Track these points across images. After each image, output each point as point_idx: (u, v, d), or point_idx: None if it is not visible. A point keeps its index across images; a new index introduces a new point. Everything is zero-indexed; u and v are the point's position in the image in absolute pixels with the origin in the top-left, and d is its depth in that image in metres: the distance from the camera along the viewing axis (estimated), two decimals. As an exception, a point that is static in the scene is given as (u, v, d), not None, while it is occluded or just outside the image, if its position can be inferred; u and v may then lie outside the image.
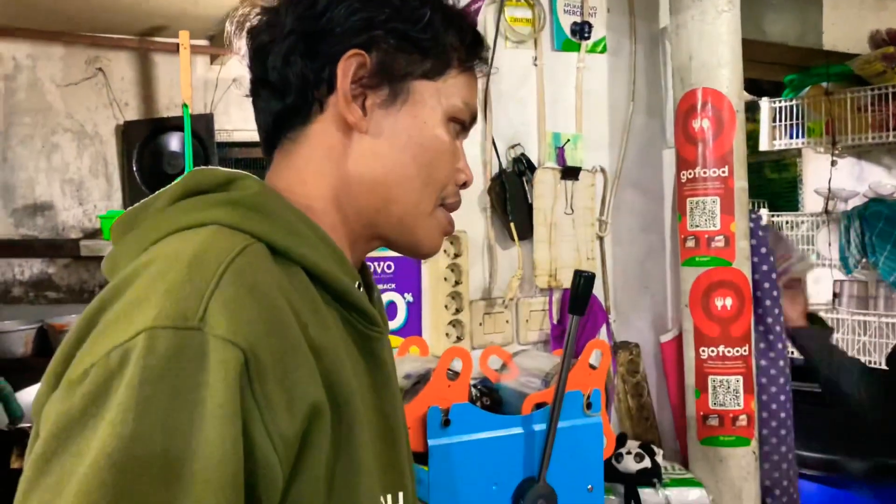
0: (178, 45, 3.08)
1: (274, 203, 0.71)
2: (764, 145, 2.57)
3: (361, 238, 0.80)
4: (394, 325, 1.65)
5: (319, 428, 0.62)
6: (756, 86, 2.75)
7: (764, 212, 2.70)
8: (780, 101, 2.63)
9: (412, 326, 1.67)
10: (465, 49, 0.81)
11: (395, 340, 1.66)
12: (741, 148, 1.76)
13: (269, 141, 0.80)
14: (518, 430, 1.43)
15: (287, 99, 0.77)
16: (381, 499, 0.74)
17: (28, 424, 2.51)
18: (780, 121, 2.61)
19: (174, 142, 3.39)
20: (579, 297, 1.38)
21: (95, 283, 3.31)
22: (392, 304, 1.65)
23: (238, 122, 3.52)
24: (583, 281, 1.37)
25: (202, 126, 3.30)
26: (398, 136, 0.77)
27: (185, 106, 3.10)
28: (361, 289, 0.78)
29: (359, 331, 0.75)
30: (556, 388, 1.41)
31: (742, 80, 1.78)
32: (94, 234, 3.30)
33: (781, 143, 2.61)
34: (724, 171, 1.74)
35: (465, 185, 0.85)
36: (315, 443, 0.62)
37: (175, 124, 3.34)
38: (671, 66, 1.83)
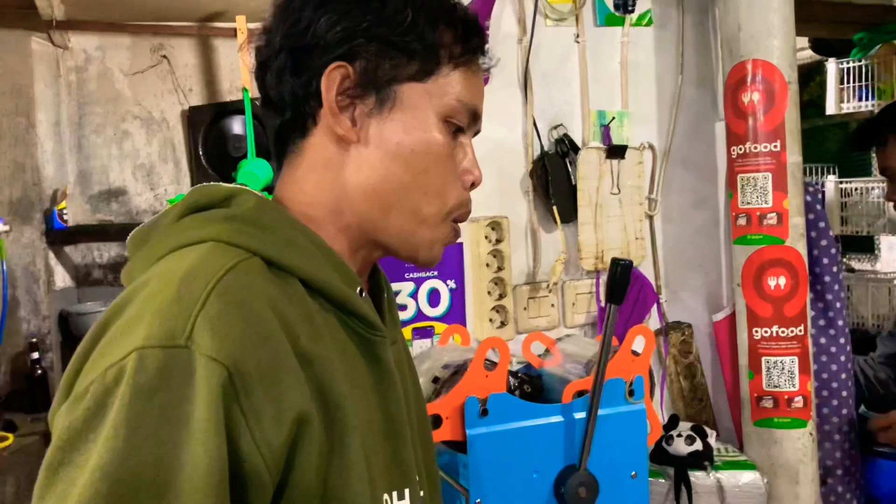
0: (235, 29, 3.13)
1: (270, 216, 0.74)
2: (831, 109, 2.45)
3: (365, 245, 0.81)
4: (437, 311, 1.67)
5: (307, 435, 0.65)
6: (824, 45, 2.60)
7: (831, 178, 2.58)
8: (848, 62, 2.49)
9: (455, 313, 1.68)
10: (458, 44, 0.79)
11: (440, 327, 1.67)
12: (794, 121, 1.68)
13: (278, 154, 0.82)
14: (558, 419, 1.43)
15: (284, 115, 0.79)
16: (385, 497, 0.76)
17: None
18: (849, 82, 2.47)
19: (237, 125, 3.46)
20: (617, 286, 1.35)
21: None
22: (435, 292, 1.67)
23: (298, 102, 3.56)
24: (620, 269, 1.34)
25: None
26: (388, 143, 0.77)
27: (245, 90, 3.16)
28: (364, 294, 0.79)
29: (360, 335, 0.77)
30: (594, 377, 1.40)
31: (794, 50, 1.70)
32: (165, 217, 3.42)
33: (850, 107, 2.47)
34: (775, 146, 1.67)
35: (473, 185, 0.84)
36: (304, 448, 0.65)
37: (237, 108, 3.41)
38: (720, 37, 1.76)
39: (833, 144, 2.92)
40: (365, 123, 0.77)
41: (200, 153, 3.50)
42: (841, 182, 2.54)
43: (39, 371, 3.07)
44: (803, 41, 2.70)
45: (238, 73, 3.51)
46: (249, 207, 0.73)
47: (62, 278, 3.37)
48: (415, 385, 0.95)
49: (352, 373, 0.74)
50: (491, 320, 1.69)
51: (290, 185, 0.80)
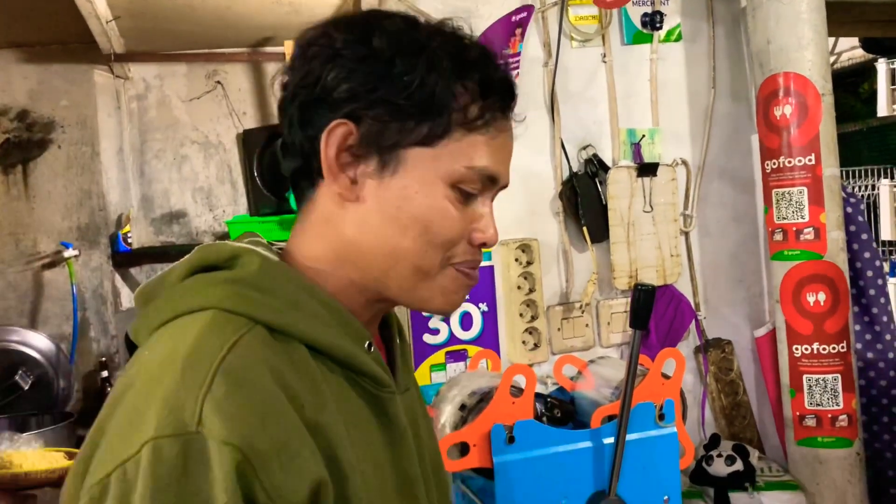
0: (284, 53, 3.22)
1: (273, 278, 0.73)
2: (882, 110, 2.36)
3: (374, 297, 0.79)
4: (470, 334, 1.69)
5: (325, 501, 0.66)
6: (876, 43, 2.51)
7: (885, 182, 2.49)
8: (899, 62, 2.40)
9: (488, 335, 1.70)
10: (475, 106, 0.75)
11: (472, 350, 1.70)
12: (829, 133, 1.65)
13: (296, 197, 0.82)
14: (587, 444, 1.43)
15: (295, 161, 0.78)
16: None
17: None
18: (902, 82, 2.39)
19: (289, 145, 3.55)
20: (640, 311, 1.35)
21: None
22: (467, 315, 1.69)
23: (347, 121, 3.63)
24: (642, 295, 1.34)
25: (313, 129, 3.44)
26: (388, 206, 0.75)
27: (294, 112, 3.25)
28: (373, 348, 0.78)
29: (369, 392, 0.76)
30: (621, 402, 1.40)
31: (828, 60, 1.66)
32: (223, 237, 3.53)
33: (903, 107, 2.39)
34: (810, 160, 1.64)
35: (484, 245, 0.79)
36: None
37: (289, 129, 3.50)
38: (750, 50, 1.73)
39: (890, 144, 2.81)
40: (366, 184, 0.75)
41: (255, 174, 3.60)
42: (895, 186, 2.45)
43: (109, 389, 3.22)
44: (854, 40, 2.62)
45: (289, 94, 3.60)
46: (253, 270, 0.72)
47: (128, 299, 3.52)
48: (428, 430, 0.94)
49: (361, 436, 0.74)
50: (524, 342, 1.71)
51: (299, 236, 0.80)
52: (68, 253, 3.29)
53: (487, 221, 0.79)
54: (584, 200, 1.71)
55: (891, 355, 1.79)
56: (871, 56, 2.58)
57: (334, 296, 0.77)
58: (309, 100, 0.75)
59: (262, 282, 0.72)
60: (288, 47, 3.18)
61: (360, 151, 0.74)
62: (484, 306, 1.70)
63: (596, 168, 1.74)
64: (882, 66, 2.34)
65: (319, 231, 0.78)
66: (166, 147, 3.61)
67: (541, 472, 1.41)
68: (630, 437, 1.41)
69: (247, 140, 3.70)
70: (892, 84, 2.36)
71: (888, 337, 1.79)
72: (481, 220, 0.78)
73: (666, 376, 1.49)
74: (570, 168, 1.73)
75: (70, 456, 2.73)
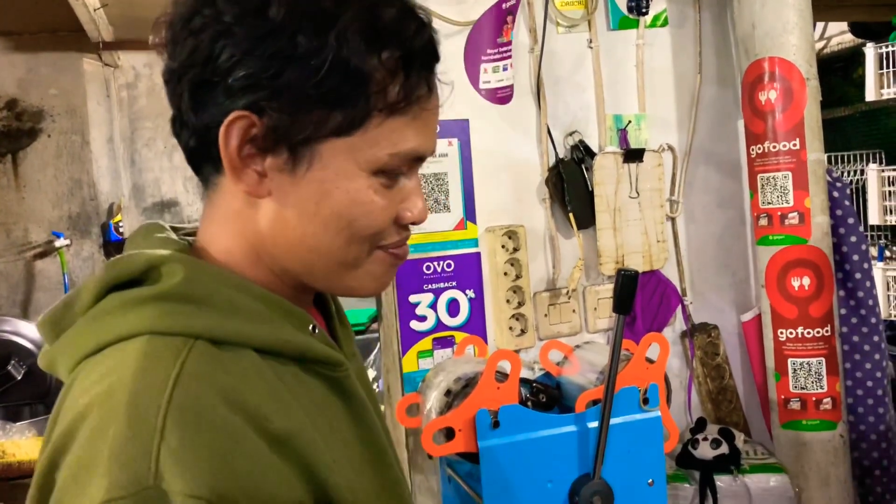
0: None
1: (204, 285, 0.67)
2: (871, 95, 2.37)
3: (299, 286, 0.74)
4: (457, 321, 1.70)
5: None
6: (864, 28, 2.51)
7: (873, 166, 2.50)
8: (888, 46, 2.40)
9: (475, 322, 1.71)
10: (398, 87, 0.67)
11: (459, 337, 1.70)
12: (814, 118, 1.65)
13: (193, 169, 0.75)
14: (571, 429, 1.44)
15: (191, 140, 0.69)
16: None
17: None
18: (890, 67, 2.39)
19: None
20: (623, 297, 1.36)
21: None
22: (454, 301, 1.70)
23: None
24: (625, 280, 1.35)
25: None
26: (304, 203, 0.68)
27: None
28: (317, 330, 0.74)
29: (324, 375, 0.72)
30: (605, 387, 1.40)
31: (812, 45, 1.66)
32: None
33: (890, 92, 2.39)
34: (795, 144, 1.64)
35: (413, 223, 0.74)
36: None
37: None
38: (735, 36, 1.74)
39: (880, 128, 2.81)
40: (276, 178, 0.67)
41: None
42: (884, 170, 2.46)
43: (102, 377, 3.23)
44: (843, 25, 2.62)
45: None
46: (178, 281, 0.65)
47: (121, 288, 3.53)
48: (372, 393, 0.87)
49: (326, 422, 0.71)
50: (511, 328, 1.71)
51: (210, 227, 0.73)
52: (59, 242, 3.30)
53: (415, 198, 0.72)
54: (570, 187, 1.71)
55: (875, 338, 1.80)
56: (860, 41, 2.58)
57: (265, 287, 0.71)
58: (199, 80, 0.65)
59: (193, 292, 0.66)
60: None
61: (266, 144, 0.66)
62: (471, 293, 1.71)
63: (582, 154, 1.74)
64: (870, 50, 2.34)
65: (231, 225, 0.71)
66: (157, 136, 3.61)
67: (526, 456, 1.42)
68: (614, 421, 1.42)
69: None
70: (881, 69, 2.36)
71: (873, 320, 1.80)
72: (409, 199, 0.72)
73: (650, 361, 1.49)
74: (557, 154, 1.74)
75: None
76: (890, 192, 2.38)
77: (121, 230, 3.41)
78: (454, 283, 1.70)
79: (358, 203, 0.68)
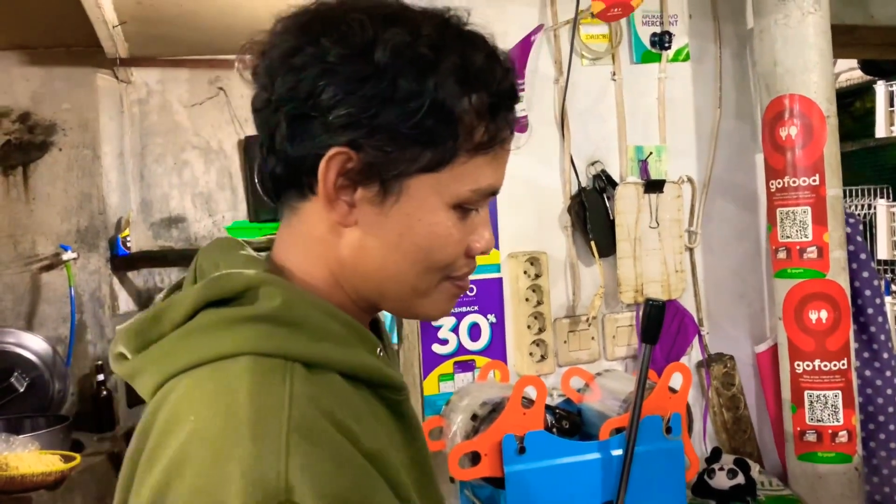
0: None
1: (299, 310, 0.69)
2: (881, 131, 2.41)
3: (368, 308, 0.78)
4: (478, 346, 1.71)
5: None
6: (874, 65, 2.57)
7: (882, 202, 2.55)
8: (897, 84, 2.46)
9: (496, 347, 1.72)
10: (483, 129, 0.71)
11: (479, 361, 1.72)
12: (833, 154, 1.68)
13: (274, 195, 0.77)
14: (595, 456, 1.46)
15: (278, 168, 0.72)
16: None
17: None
18: (899, 105, 2.44)
19: (290, 152, 3.57)
20: (650, 326, 1.38)
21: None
22: (476, 326, 1.71)
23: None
24: (653, 310, 1.37)
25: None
26: (388, 234, 0.71)
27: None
28: (381, 353, 0.77)
29: (388, 400, 0.75)
30: (630, 415, 1.42)
31: (833, 83, 1.70)
32: (222, 243, 3.53)
33: (900, 129, 2.45)
34: (814, 180, 1.67)
35: (481, 253, 0.78)
36: None
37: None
38: (756, 72, 1.77)
39: (886, 164, 2.87)
40: (365, 209, 0.71)
41: (256, 181, 3.61)
42: (892, 206, 2.50)
43: (105, 393, 3.21)
44: (853, 61, 2.67)
45: (291, 102, 3.63)
46: (277, 305, 0.68)
47: (126, 302, 3.52)
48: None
49: (393, 447, 0.72)
50: (531, 354, 1.73)
51: (290, 250, 0.76)
52: (67, 255, 3.29)
53: (483, 230, 0.76)
54: (592, 215, 1.74)
55: (888, 373, 1.83)
56: (868, 78, 2.63)
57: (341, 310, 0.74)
58: (299, 114, 0.69)
59: (291, 315, 0.68)
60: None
61: (359, 178, 0.70)
62: (492, 317, 1.72)
63: (604, 183, 1.77)
64: (881, 87, 2.39)
65: (313, 250, 0.74)
66: (167, 152, 3.62)
67: (551, 482, 1.43)
68: (637, 449, 1.44)
69: (248, 147, 3.72)
70: (891, 106, 2.41)
71: (885, 355, 1.82)
72: (477, 231, 0.76)
73: (673, 390, 1.51)
74: (580, 183, 1.76)
75: (66, 459, 2.73)
76: (897, 227, 2.43)
77: (128, 244, 3.41)
78: (476, 308, 1.71)
79: (437, 235, 0.72)
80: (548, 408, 1.53)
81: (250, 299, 0.68)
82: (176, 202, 3.66)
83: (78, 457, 2.75)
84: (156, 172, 3.64)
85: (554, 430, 1.51)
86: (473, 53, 0.71)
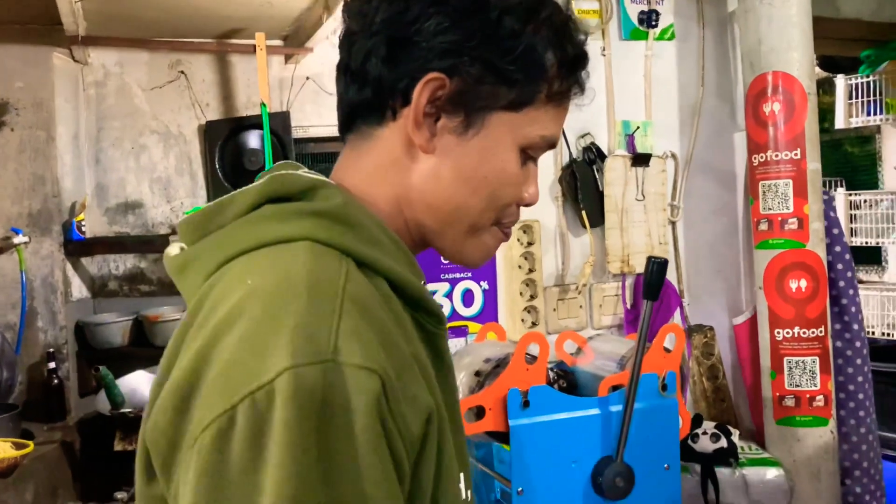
0: (254, 46, 3.21)
1: (357, 214, 0.71)
2: (840, 123, 2.54)
3: (419, 242, 0.80)
4: (471, 311, 1.72)
5: (432, 430, 0.66)
6: (832, 62, 2.70)
7: (840, 191, 2.67)
8: (856, 78, 2.58)
9: (489, 313, 1.73)
10: (562, 80, 0.75)
11: (474, 326, 1.73)
12: (813, 130, 1.76)
13: (345, 125, 0.80)
14: (595, 412, 1.48)
15: (363, 93, 0.75)
16: (460, 487, 0.78)
17: (129, 410, 2.69)
18: (857, 97, 2.56)
19: (253, 139, 3.52)
20: (652, 283, 1.42)
21: (184, 276, 3.47)
22: (469, 292, 1.72)
23: (313, 118, 3.63)
24: (655, 267, 1.41)
25: (279, 123, 3.43)
26: (464, 164, 0.75)
27: (263, 105, 3.23)
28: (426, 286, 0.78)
29: (427, 330, 0.75)
30: (631, 371, 1.45)
31: (813, 62, 1.78)
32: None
33: (858, 121, 2.57)
34: (796, 154, 1.74)
35: (528, 204, 0.81)
36: (430, 442, 0.66)
37: (253, 122, 3.47)
38: (740, 50, 1.84)
39: (843, 157, 3.01)
40: (445, 138, 0.74)
41: (217, 166, 3.56)
42: (850, 195, 2.62)
43: (56, 381, 3.09)
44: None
45: (255, 88, 3.58)
46: (338, 203, 0.70)
47: (79, 289, 3.40)
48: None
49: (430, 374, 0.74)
50: (523, 320, 1.75)
51: (354, 173, 0.78)
52: (18, 239, 3.17)
53: (532, 182, 0.79)
54: (583, 186, 1.77)
55: (857, 343, 1.91)
56: (825, 74, 2.76)
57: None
58: (401, 37, 0.72)
59: (348, 216, 0.70)
60: (259, 39, 3.17)
61: (446, 107, 0.72)
62: (485, 284, 1.74)
63: (594, 156, 1.81)
64: (840, 81, 2.52)
65: (383, 173, 0.76)
66: (124, 136, 3.53)
67: (553, 436, 1.45)
68: (635, 406, 1.47)
69: (210, 132, 3.65)
70: (850, 99, 2.53)
71: (856, 326, 1.91)
72: (528, 181, 0.79)
73: (667, 350, 1.55)
74: (571, 154, 1.80)
75: (18, 446, 2.62)
76: (854, 215, 2.55)
77: (83, 229, 3.30)
78: (469, 275, 1.73)
79: (506, 173, 0.75)
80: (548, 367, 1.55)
81: (310, 197, 0.71)
82: (133, 187, 3.56)
83: (31, 444, 2.64)
84: (112, 157, 3.53)
85: (556, 385, 1.53)
86: (561, 13, 0.77)
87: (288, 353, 0.57)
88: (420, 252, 0.82)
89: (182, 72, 3.59)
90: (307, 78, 3.65)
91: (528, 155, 0.77)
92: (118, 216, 3.52)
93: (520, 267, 1.74)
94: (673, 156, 1.91)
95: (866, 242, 2.53)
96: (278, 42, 3.59)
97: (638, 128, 1.87)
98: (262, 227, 0.68)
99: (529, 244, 1.75)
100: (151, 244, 3.44)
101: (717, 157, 1.98)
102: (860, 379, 1.92)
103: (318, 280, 0.63)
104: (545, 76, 0.74)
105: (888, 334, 2.59)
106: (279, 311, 0.60)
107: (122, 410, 2.67)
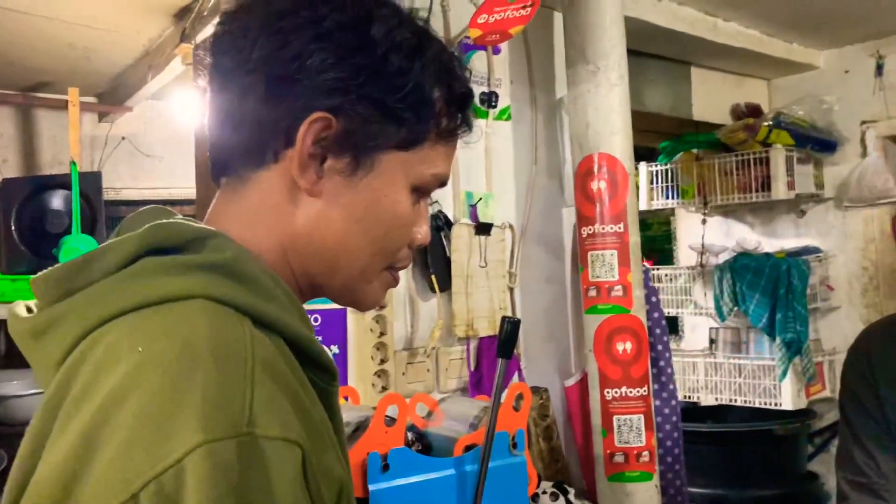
0: (64, 100, 3.03)
1: (251, 267, 0.66)
2: (643, 205, 2.82)
3: (305, 292, 0.77)
4: (321, 376, 1.69)
5: (343, 501, 0.63)
6: (636, 151, 3.00)
7: (644, 264, 2.94)
8: (656, 165, 2.90)
9: (340, 377, 1.71)
10: (450, 119, 0.74)
11: (324, 391, 1.70)
12: (633, 206, 1.95)
13: (219, 168, 0.74)
14: (451, 472, 1.50)
15: (239, 134, 0.70)
16: None
17: None
18: (657, 183, 2.87)
19: (57, 200, 3.26)
20: (507, 342, 1.48)
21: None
22: (319, 356, 1.70)
23: (127, 179, 3.45)
24: (510, 326, 1.47)
25: (89, 184, 3.20)
26: (354, 207, 0.71)
27: (73, 163, 3.03)
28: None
29: (320, 388, 0.70)
30: (487, 428, 1.49)
31: (632, 146, 1.98)
32: (-33, 296, 3.10)
33: (658, 203, 2.87)
34: (619, 227, 1.92)
35: (420, 245, 0.79)
36: None
37: (59, 182, 3.22)
38: (569, 133, 2.02)
39: (644, 236, 3.31)
40: (332, 180, 0.70)
41: (13, 228, 3.25)
42: (652, 269, 2.91)
43: None
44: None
45: (62, 145, 3.36)
46: (231, 256, 0.65)
47: None
48: None
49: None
50: (374, 385, 1.74)
51: (234, 218, 0.72)
52: None
53: (423, 222, 0.78)
54: (433, 251, 1.83)
55: (673, 402, 2.09)
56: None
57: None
58: (282, 75, 0.68)
59: (241, 270, 0.65)
60: (72, 95, 2.99)
61: (333, 147, 0.69)
62: (335, 348, 1.72)
63: (441, 223, 1.87)
64: (643, 168, 2.82)
65: (264, 220, 0.71)
66: None
67: (412, 498, 1.44)
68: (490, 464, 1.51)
69: (7, 190, 3.34)
70: (651, 184, 2.83)
71: (671, 386, 2.09)
72: (418, 222, 0.77)
73: (515, 408, 1.61)
74: (419, 221, 1.85)
75: None
76: (658, 288, 2.81)
77: None
78: (320, 338, 1.70)
79: (398, 214, 0.73)
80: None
81: (197, 249, 0.65)
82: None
83: None
84: None
85: (414, 447, 1.53)
86: (446, 51, 0.76)
87: (198, 428, 0.52)
88: (306, 301, 0.78)
89: (-26, 126, 3.30)
90: (123, 138, 3.48)
91: (420, 194, 0.76)
92: None
93: (371, 330, 1.75)
94: (510, 226, 2.03)
95: (668, 312, 2.80)
96: (92, 99, 3.41)
97: (480, 199, 1.97)
98: (145, 284, 0.61)
99: (381, 307, 1.76)
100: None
101: (547, 229, 2.13)
102: (675, 435, 2.09)
103: (222, 344, 0.57)
104: (434, 114, 0.73)
105: (688, 396, 2.84)
106: (182, 381, 0.54)
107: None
